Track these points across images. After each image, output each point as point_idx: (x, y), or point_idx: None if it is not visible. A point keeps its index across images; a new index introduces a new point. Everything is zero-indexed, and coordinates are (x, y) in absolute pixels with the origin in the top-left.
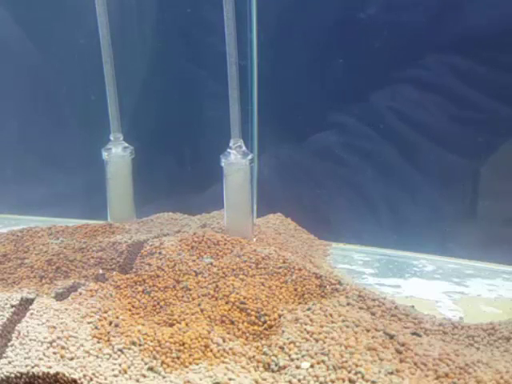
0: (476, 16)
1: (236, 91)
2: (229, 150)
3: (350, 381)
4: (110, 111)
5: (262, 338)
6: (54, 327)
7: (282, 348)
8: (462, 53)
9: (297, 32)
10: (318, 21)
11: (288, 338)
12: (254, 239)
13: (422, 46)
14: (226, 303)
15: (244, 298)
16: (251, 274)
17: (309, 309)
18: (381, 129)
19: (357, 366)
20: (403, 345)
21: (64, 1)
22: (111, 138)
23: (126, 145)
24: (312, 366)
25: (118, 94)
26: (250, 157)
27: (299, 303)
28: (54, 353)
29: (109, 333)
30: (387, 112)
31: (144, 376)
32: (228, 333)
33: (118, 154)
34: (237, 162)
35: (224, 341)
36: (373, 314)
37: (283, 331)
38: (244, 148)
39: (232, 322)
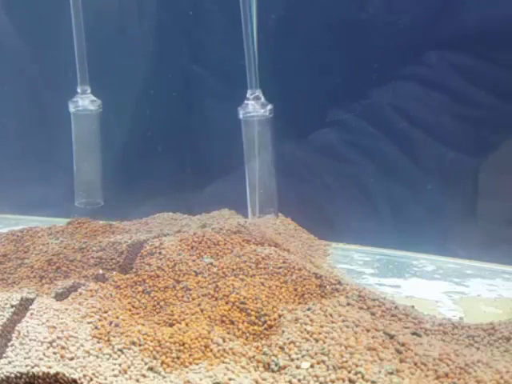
0: (477, 13)
1: (251, 41)
2: (246, 101)
3: (350, 381)
4: (77, 63)
5: (262, 338)
6: (54, 327)
7: (282, 348)
8: (464, 50)
9: (297, 29)
10: (318, 19)
11: (288, 338)
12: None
13: (424, 44)
14: (226, 303)
15: (244, 298)
16: (251, 274)
17: (309, 309)
18: (381, 127)
19: (357, 365)
20: (403, 345)
21: None
22: (78, 90)
23: (94, 98)
24: (312, 366)
25: (85, 45)
26: (269, 107)
27: (299, 303)
28: (54, 353)
29: (109, 333)
30: (388, 110)
31: (144, 376)
32: (228, 333)
33: (85, 107)
34: (256, 113)
35: (224, 341)
36: (373, 313)
37: (283, 331)
38: (263, 99)
39: (232, 322)
